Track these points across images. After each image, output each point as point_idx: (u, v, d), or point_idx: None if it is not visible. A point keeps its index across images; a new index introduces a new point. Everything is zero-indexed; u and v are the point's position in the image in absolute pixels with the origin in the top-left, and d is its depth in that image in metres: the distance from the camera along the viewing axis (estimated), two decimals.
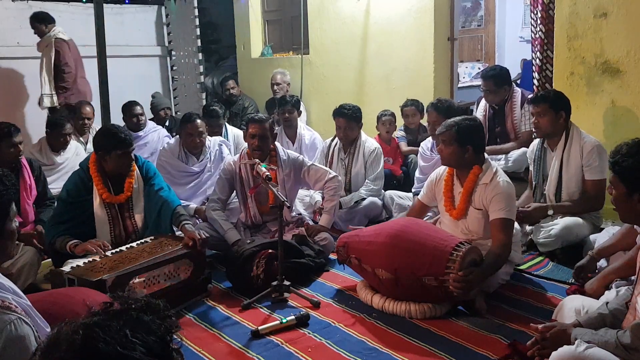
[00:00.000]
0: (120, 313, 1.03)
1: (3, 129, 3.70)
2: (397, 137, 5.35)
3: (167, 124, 6.10)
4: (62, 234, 3.30)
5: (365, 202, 4.55)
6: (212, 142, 4.65)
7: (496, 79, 4.77)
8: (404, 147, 5.30)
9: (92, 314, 1.04)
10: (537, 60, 4.74)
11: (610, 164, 2.20)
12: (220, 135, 5.20)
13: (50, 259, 3.48)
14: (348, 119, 4.62)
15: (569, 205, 3.73)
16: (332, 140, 4.86)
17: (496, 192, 3.10)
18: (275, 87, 6.44)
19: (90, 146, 5.25)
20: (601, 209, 3.75)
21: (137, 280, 2.93)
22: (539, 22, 4.66)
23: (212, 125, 5.13)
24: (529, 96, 4.52)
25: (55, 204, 3.68)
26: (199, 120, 4.44)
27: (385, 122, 5.24)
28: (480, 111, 5.04)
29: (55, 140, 4.77)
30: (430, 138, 4.59)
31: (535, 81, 4.84)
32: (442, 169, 3.45)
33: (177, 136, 4.72)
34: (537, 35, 4.70)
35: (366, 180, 4.64)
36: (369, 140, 4.75)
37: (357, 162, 4.67)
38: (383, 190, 4.74)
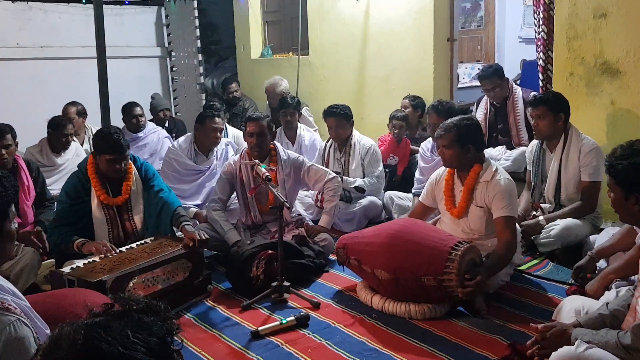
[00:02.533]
0: (122, 314, 1.04)
1: None
2: None
3: (166, 125, 6.10)
4: (66, 234, 3.30)
5: (364, 202, 4.56)
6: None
7: (498, 73, 4.92)
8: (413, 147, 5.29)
9: (93, 315, 1.05)
10: (541, 60, 4.73)
11: (606, 168, 2.21)
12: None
13: (50, 260, 3.47)
14: (338, 117, 4.66)
15: (562, 214, 3.69)
16: (327, 141, 4.91)
17: (498, 190, 3.11)
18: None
19: (87, 147, 5.27)
20: (593, 212, 3.74)
21: (136, 280, 2.93)
22: (541, 22, 4.65)
23: None
24: (532, 93, 4.57)
25: (56, 206, 3.67)
26: (217, 118, 4.58)
27: (395, 125, 5.07)
28: (481, 110, 5.05)
29: (57, 141, 4.77)
30: (430, 139, 4.59)
31: (540, 82, 4.84)
32: (442, 170, 3.45)
33: (189, 134, 4.79)
34: (540, 36, 4.68)
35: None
36: (363, 138, 4.78)
37: (354, 160, 4.69)
38: (383, 191, 4.75)
